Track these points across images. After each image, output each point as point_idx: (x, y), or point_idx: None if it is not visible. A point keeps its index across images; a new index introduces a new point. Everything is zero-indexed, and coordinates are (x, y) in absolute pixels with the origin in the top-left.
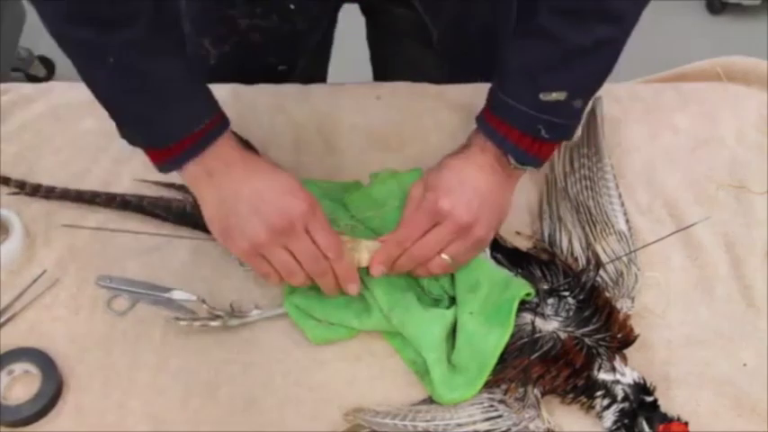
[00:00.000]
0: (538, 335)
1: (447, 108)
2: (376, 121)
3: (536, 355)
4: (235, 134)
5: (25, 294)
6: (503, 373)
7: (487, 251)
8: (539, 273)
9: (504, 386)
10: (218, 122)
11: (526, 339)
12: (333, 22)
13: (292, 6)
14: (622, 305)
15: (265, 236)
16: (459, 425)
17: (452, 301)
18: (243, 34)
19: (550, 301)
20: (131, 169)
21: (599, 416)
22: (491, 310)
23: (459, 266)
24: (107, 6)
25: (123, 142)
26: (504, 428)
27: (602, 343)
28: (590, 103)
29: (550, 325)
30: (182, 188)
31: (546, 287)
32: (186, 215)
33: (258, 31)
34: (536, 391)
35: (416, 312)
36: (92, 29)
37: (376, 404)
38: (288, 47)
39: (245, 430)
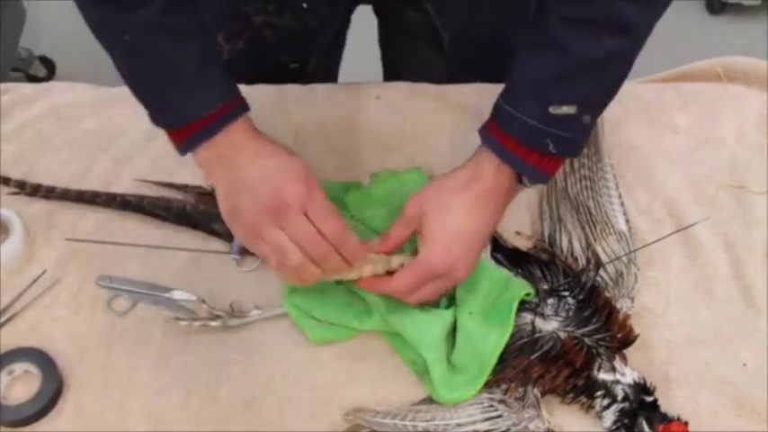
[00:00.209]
0: (538, 335)
1: (447, 108)
2: (376, 121)
3: (536, 355)
4: None
5: (25, 294)
6: (503, 372)
7: (488, 251)
8: (539, 273)
9: (504, 386)
10: (231, 107)
11: (526, 339)
12: (346, 22)
13: (305, 5)
14: (622, 305)
15: (257, 216)
16: (459, 425)
17: (452, 300)
18: (256, 31)
19: (550, 301)
20: (131, 169)
21: (599, 416)
22: (491, 310)
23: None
24: None
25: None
26: (503, 428)
27: (602, 343)
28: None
29: (550, 325)
30: (182, 188)
31: (546, 287)
32: (186, 215)
33: (271, 28)
34: (536, 391)
35: (415, 313)
36: (109, 7)
37: (376, 404)
38: (300, 45)
39: (245, 430)
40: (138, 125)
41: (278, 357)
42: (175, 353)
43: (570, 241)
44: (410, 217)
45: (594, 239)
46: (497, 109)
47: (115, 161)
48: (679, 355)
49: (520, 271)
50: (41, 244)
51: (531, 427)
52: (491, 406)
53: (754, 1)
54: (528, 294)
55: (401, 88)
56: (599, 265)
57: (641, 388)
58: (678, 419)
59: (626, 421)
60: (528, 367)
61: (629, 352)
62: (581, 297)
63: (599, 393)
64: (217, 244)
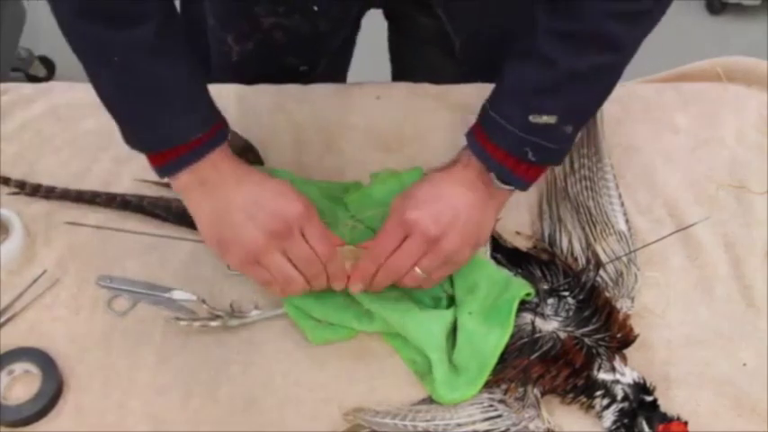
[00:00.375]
0: (538, 335)
1: (447, 108)
2: (376, 121)
3: (536, 354)
4: (236, 135)
5: (25, 294)
6: (503, 372)
7: (488, 251)
8: (539, 273)
9: (504, 386)
10: (214, 133)
11: (526, 339)
12: (356, 26)
13: (315, 8)
14: (622, 305)
15: (263, 241)
16: (459, 425)
17: (452, 300)
18: (266, 32)
19: (550, 301)
20: (131, 169)
21: (599, 416)
22: (491, 310)
23: (433, 282)
24: (121, 3)
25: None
26: (503, 428)
27: (601, 343)
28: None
29: (550, 325)
30: None
31: (546, 287)
32: (186, 215)
33: (281, 30)
34: (536, 391)
35: (415, 313)
36: (101, 25)
37: (376, 404)
38: (310, 47)
39: (245, 430)
40: None
41: (278, 357)
42: (175, 353)
43: (570, 241)
44: (396, 208)
45: (594, 239)
46: (483, 112)
47: (115, 161)
48: (679, 355)
49: (520, 271)
50: (41, 244)
51: (531, 426)
52: (491, 406)
53: (754, 1)
54: (528, 294)
55: (401, 88)
56: (599, 265)
57: (641, 388)
58: (678, 419)
59: (626, 421)
60: (528, 367)
61: (629, 352)
62: (581, 297)
63: (599, 393)
64: None
